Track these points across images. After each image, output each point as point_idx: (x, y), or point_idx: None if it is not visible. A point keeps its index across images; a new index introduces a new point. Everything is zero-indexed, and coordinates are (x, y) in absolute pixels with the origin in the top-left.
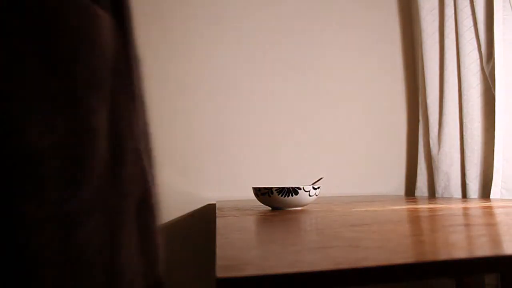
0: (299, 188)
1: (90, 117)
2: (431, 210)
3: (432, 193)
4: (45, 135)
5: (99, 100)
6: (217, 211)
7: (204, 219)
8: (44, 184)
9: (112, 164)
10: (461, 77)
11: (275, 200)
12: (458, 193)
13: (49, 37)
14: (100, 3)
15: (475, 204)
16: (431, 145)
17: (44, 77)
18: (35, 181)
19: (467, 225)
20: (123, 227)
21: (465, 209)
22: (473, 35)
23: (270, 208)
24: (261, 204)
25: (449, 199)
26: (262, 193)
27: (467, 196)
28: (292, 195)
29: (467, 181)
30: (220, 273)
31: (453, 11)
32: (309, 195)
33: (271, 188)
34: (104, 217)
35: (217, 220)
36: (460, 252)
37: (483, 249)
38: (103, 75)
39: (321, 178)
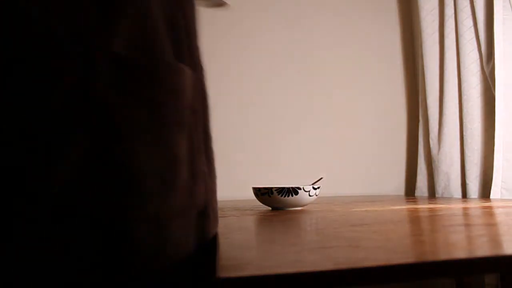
0: (299, 188)
1: (175, 148)
2: (431, 210)
3: (432, 193)
4: (147, 161)
5: (182, 135)
6: None
7: None
8: (145, 196)
9: (190, 184)
10: (461, 77)
11: (275, 200)
12: (458, 193)
13: (149, 89)
14: (184, 60)
15: (475, 204)
16: (431, 145)
17: (145, 120)
18: (139, 193)
19: (467, 225)
20: (189, 230)
21: (465, 209)
22: (473, 35)
23: (270, 208)
24: (261, 204)
25: (449, 199)
26: (262, 193)
27: (467, 196)
28: (292, 195)
29: (467, 181)
30: (220, 273)
31: (453, 11)
32: (309, 195)
33: (271, 188)
34: (181, 223)
35: None
36: (460, 252)
37: (483, 249)
38: (184, 115)
39: (321, 178)
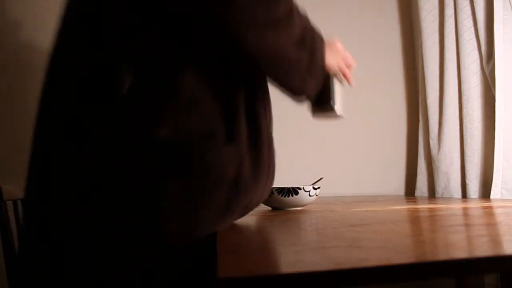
0: (299, 188)
1: (200, 215)
2: (431, 210)
3: (432, 193)
4: (173, 224)
5: (214, 204)
6: None
7: None
8: (169, 252)
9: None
10: (461, 77)
11: (275, 200)
12: (458, 193)
13: (180, 167)
14: (234, 142)
15: (475, 204)
16: (431, 145)
17: (176, 191)
18: (166, 250)
19: (467, 225)
20: None
21: (465, 209)
22: (473, 35)
23: (270, 208)
24: (261, 204)
25: (449, 199)
26: None
27: (467, 196)
28: (292, 195)
29: (467, 181)
30: (220, 273)
31: (453, 11)
32: (309, 195)
33: (271, 188)
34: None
35: None
36: (460, 252)
37: (483, 249)
38: (222, 188)
39: (321, 178)
